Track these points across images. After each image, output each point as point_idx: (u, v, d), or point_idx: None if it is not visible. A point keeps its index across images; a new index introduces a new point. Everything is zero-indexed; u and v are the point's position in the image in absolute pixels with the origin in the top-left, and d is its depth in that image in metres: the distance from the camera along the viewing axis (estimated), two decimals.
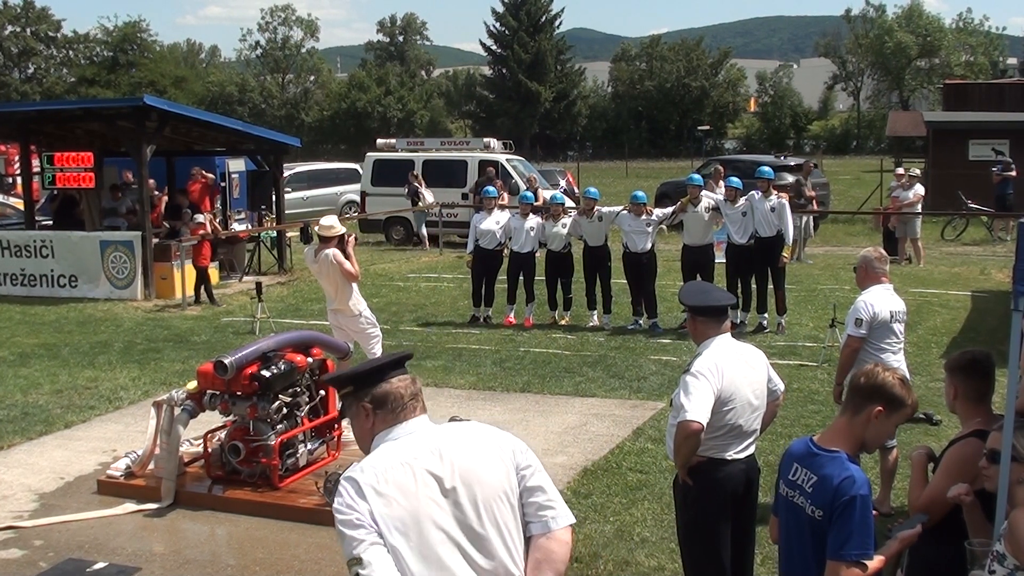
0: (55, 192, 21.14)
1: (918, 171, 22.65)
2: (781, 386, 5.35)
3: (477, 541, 3.05)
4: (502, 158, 25.31)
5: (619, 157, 62.05)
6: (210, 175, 19.93)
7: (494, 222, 14.65)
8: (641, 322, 13.98)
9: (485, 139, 27.04)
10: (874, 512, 4.07)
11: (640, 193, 14.05)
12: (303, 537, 7.09)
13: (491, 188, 15.06)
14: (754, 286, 13.65)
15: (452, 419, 3.35)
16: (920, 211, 20.96)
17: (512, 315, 14.77)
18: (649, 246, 13.77)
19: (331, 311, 10.11)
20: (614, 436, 9.26)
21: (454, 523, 3.03)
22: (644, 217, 13.66)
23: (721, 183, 22.74)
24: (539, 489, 3.18)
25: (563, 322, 14.40)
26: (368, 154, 26.73)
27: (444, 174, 24.40)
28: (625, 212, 13.83)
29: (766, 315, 13.63)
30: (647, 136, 79.51)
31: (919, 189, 20.93)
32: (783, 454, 4.16)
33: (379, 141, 27.76)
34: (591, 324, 14.20)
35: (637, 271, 13.82)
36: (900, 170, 23.71)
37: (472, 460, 3.11)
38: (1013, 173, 24.25)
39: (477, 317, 14.81)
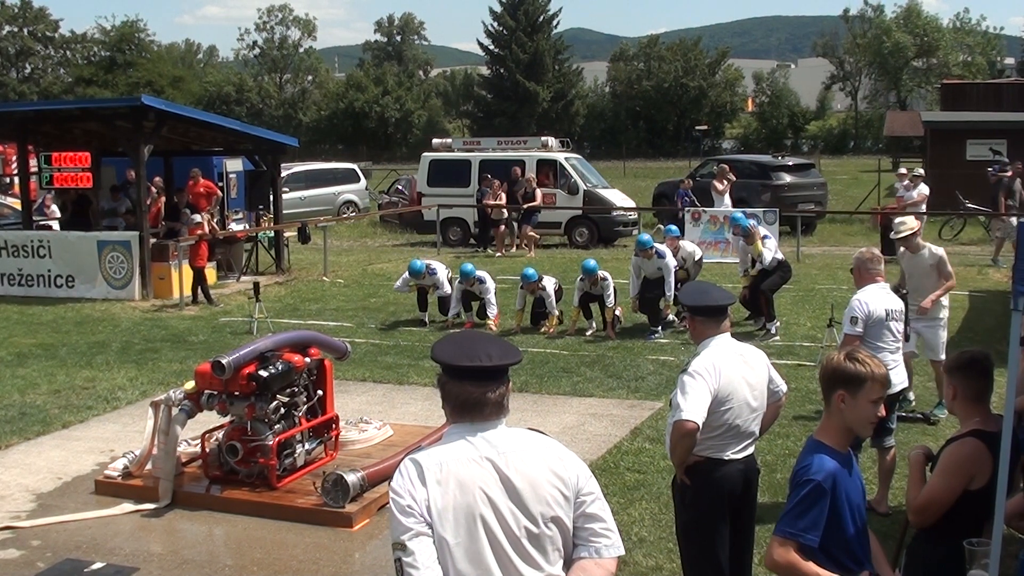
0: (51, 191, 21.17)
1: (922, 171, 22.65)
2: (783, 387, 5.34)
3: (521, 552, 3.06)
4: (560, 157, 25.26)
5: (617, 157, 62.03)
6: (211, 185, 19.89)
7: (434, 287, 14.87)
8: (657, 332, 13.75)
9: (543, 137, 26.94)
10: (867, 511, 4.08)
11: (645, 238, 13.87)
12: (301, 537, 7.08)
13: (417, 262, 14.88)
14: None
15: (529, 428, 3.32)
16: (923, 211, 20.99)
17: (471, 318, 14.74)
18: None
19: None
20: (612, 436, 9.26)
21: (503, 529, 3.04)
22: (655, 260, 13.56)
23: (726, 182, 22.87)
24: (597, 517, 3.18)
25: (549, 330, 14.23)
26: (424, 154, 26.68)
27: (502, 174, 24.04)
28: (636, 257, 13.75)
29: (771, 321, 13.59)
30: (645, 136, 79.47)
31: (923, 189, 20.95)
32: None
33: (435, 141, 27.78)
34: (589, 332, 14.01)
35: (653, 291, 13.69)
36: (903, 170, 23.73)
37: (534, 474, 3.10)
38: (1009, 173, 24.25)
39: (424, 321, 14.82)
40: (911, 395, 9.85)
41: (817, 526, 3.68)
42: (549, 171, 24.76)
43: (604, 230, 24.42)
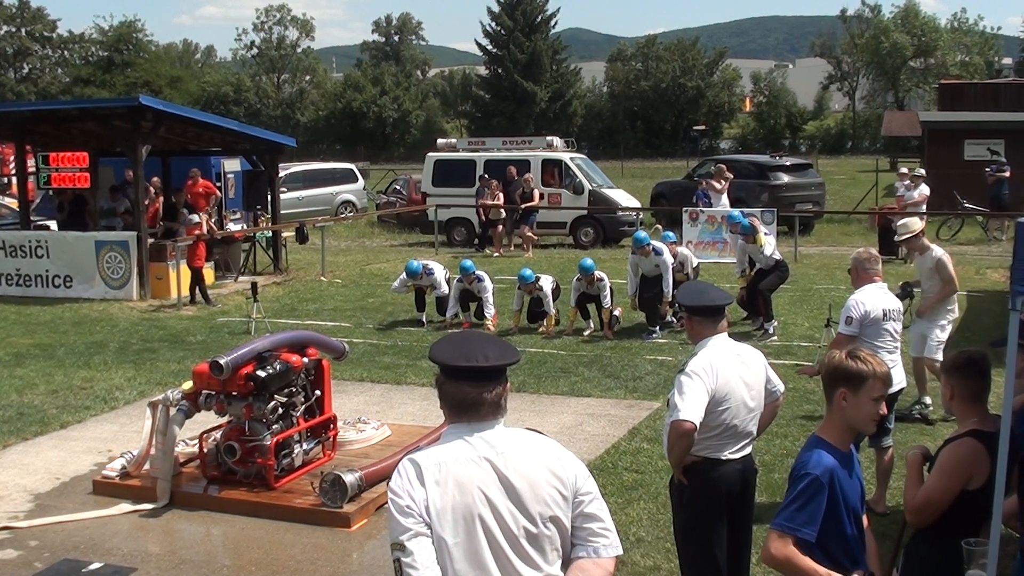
0: (50, 192, 21.17)
1: (923, 171, 22.66)
2: (781, 387, 5.33)
3: (520, 552, 3.07)
4: (565, 156, 25.19)
5: (615, 157, 61.95)
6: (210, 185, 19.90)
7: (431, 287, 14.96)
8: (655, 332, 13.76)
9: (548, 137, 26.85)
10: (866, 512, 4.09)
11: (641, 235, 13.87)
12: (298, 537, 7.08)
13: (414, 263, 14.86)
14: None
15: (527, 428, 3.32)
16: (923, 211, 21.05)
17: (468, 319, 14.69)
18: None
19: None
20: (610, 436, 9.26)
21: (501, 529, 3.05)
22: (652, 257, 13.52)
23: (723, 182, 22.88)
24: (595, 517, 3.19)
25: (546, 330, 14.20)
26: (428, 154, 26.64)
27: (506, 174, 23.93)
28: (633, 255, 13.74)
29: (768, 321, 13.60)
30: (643, 136, 79.41)
31: (924, 189, 20.98)
32: None
33: (439, 141, 27.75)
34: (587, 332, 14.01)
35: (652, 290, 13.67)
36: (904, 170, 23.76)
37: (532, 474, 3.11)
38: (1007, 174, 24.29)
39: (422, 321, 14.81)
40: (927, 399, 9.70)
41: (814, 521, 3.69)
42: (554, 171, 24.69)
43: (609, 230, 24.35)
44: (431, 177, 25.69)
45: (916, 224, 9.76)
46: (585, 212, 24.40)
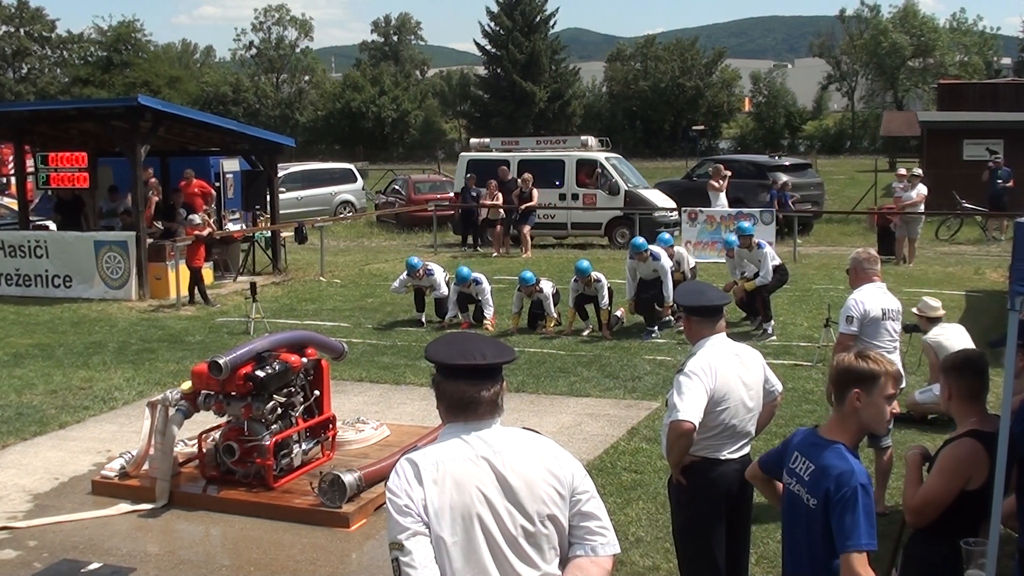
0: (49, 192, 21.17)
1: (920, 171, 22.68)
2: (779, 387, 5.33)
3: (518, 550, 3.07)
4: (600, 156, 25.08)
5: None
6: (205, 185, 19.92)
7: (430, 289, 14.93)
8: (654, 332, 13.79)
9: (583, 137, 26.77)
10: None
11: (639, 241, 13.87)
12: (298, 537, 7.08)
13: (414, 259, 14.90)
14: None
15: (524, 428, 3.32)
16: (921, 211, 21.06)
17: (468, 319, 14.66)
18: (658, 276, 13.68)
19: None
20: (609, 436, 9.26)
21: (499, 528, 3.05)
22: (650, 262, 13.52)
23: (722, 181, 22.90)
24: (593, 516, 3.19)
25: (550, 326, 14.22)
26: (462, 154, 26.69)
27: (540, 174, 23.71)
28: (631, 260, 13.71)
29: (767, 321, 13.60)
30: (642, 136, 79.37)
31: (922, 189, 20.99)
32: (785, 443, 4.17)
33: (473, 140, 27.80)
34: (586, 332, 14.01)
35: (649, 291, 13.66)
36: (903, 170, 23.75)
37: (530, 473, 3.11)
38: (1011, 184, 24.25)
39: (421, 321, 14.82)
40: None
41: (875, 527, 3.70)
42: (589, 171, 24.57)
43: (645, 231, 24.02)
44: (464, 177, 25.60)
45: (934, 306, 9.46)
46: (620, 213, 24.10)
